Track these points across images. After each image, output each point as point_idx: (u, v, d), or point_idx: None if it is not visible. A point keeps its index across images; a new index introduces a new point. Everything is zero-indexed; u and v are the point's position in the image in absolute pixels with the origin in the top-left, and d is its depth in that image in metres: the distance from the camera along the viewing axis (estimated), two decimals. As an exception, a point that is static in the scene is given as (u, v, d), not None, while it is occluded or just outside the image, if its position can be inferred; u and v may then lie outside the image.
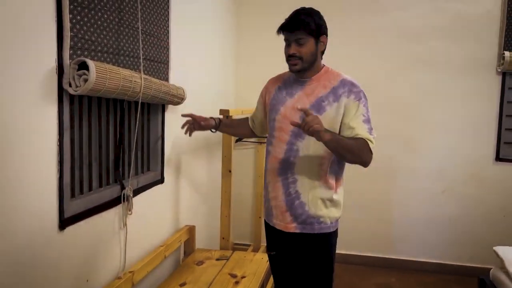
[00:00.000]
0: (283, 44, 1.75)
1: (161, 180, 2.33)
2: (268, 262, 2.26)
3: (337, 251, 1.84)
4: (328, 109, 1.69)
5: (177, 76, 2.40)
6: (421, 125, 3.41)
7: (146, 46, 2.02)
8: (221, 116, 2.46)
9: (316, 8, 1.74)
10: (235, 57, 3.65)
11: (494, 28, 3.23)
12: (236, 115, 2.73)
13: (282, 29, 1.71)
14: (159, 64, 2.19)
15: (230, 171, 2.63)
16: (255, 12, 3.61)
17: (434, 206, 3.41)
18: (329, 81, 1.74)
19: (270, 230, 1.88)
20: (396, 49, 3.40)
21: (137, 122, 1.92)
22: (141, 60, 1.90)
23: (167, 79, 2.30)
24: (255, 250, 3.64)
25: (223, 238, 2.66)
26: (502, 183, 3.32)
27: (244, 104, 3.61)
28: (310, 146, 1.71)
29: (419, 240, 3.46)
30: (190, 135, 2.07)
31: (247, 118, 2.13)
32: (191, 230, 2.62)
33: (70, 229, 1.56)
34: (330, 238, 1.77)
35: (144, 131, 2.20)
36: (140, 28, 1.91)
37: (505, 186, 3.32)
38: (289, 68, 1.75)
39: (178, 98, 2.27)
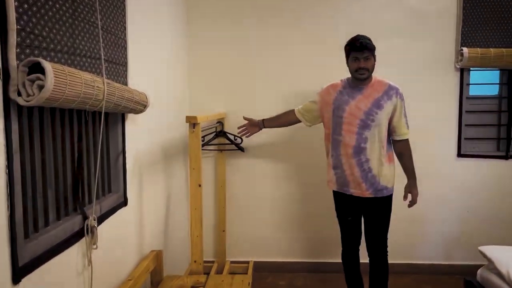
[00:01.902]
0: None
1: (124, 202, 1.98)
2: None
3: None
4: (385, 106, 2.39)
5: (135, 80, 2.07)
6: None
7: (103, 45, 1.68)
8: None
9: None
10: (187, 61, 3.34)
11: (451, 24, 3.24)
12: (203, 121, 2.45)
13: (353, 49, 2.32)
14: (117, 66, 1.85)
15: (200, 185, 2.33)
16: (205, 21, 3.33)
17: (399, 205, 3.35)
18: (381, 87, 2.42)
19: (345, 197, 2.51)
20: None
21: (101, 135, 1.58)
22: (103, 61, 1.56)
23: (126, 83, 1.96)
24: (220, 267, 3.36)
25: (195, 262, 2.36)
26: (464, 179, 3.34)
27: (201, 109, 3.32)
28: (375, 135, 2.38)
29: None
30: (248, 136, 2.87)
31: (288, 111, 2.77)
32: (158, 256, 2.29)
33: (26, 281, 1.20)
34: (391, 198, 2.51)
35: (104, 147, 1.85)
36: (99, 23, 1.57)
37: (467, 182, 3.34)
38: (358, 77, 2.36)
39: (141, 105, 1.95)
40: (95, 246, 1.59)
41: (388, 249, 2.58)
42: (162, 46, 2.66)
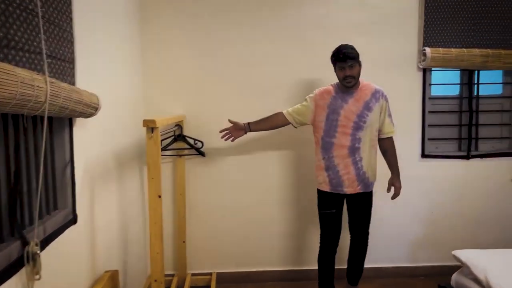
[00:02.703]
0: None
1: (73, 220, 1.73)
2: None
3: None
4: (374, 108, 2.60)
5: (84, 79, 1.81)
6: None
7: (45, 37, 1.43)
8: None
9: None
10: (143, 61, 3.08)
11: (414, 23, 3.20)
12: (162, 125, 2.22)
13: (338, 60, 2.50)
14: (62, 63, 1.59)
15: (160, 197, 2.10)
16: (161, 19, 3.09)
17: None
18: (368, 90, 2.62)
19: (335, 196, 2.65)
20: (321, 45, 3.18)
21: (44, 144, 1.32)
22: (44, 56, 1.31)
23: (73, 83, 1.71)
24: (181, 281, 3.13)
25: (155, 281, 2.13)
26: (428, 180, 3.32)
27: (158, 112, 3.08)
28: (367, 135, 2.60)
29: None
30: (233, 141, 2.80)
31: (276, 113, 2.76)
32: (113, 276, 2.04)
33: None
34: (373, 192, 2.76)
35: (48, 157, 1.59)
36: (39, 10, 1.32)
37: (431, 183, 3.33)
38: (346, 85, 2.54)
39: (92, 108, 1.70)
40: (38, 276, 1.33)
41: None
42: (115, 44, 2.40)
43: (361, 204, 2.72)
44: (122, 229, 2.46)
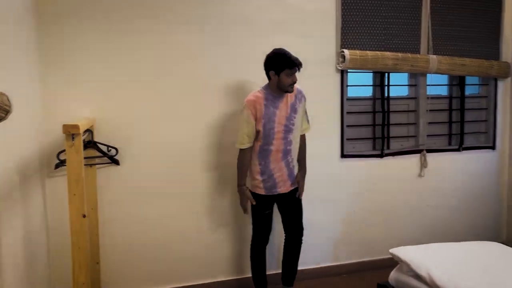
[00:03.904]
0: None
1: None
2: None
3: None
4: (298, 109, 2.72)
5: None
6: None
7: None
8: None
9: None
10: (40, 59, 2.61)
11: (332, 25, 3.24)
12: (83, 128, 1.87)
13: (289, 67, 2.55)
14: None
15: (84, 216, 1.76)
16: (59, 24, 2.66)
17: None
18: (293, 92, 2.69)
19: (270, 197, 2.74)
20: (243, 44, 3.05)
21: None
22: None
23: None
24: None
25: (80, 317, 1.77)
26: (347, 179, 3.39)
27: (62, 116, 2.63)
28: (296, 136, 2.73)
29: (275, 249, 3.23)
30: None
31: (242, 157, 2.70)
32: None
33: None
34: None
35: None
36: None
37: (350, 182, 3.41)
38: (289, 91, 2.62)
39: (2, 111, 1.32)
40: None
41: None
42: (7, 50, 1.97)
43: (293, 200, 2.81)
44: (29, 260, 2.03)
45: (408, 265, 2.17)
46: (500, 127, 3.83)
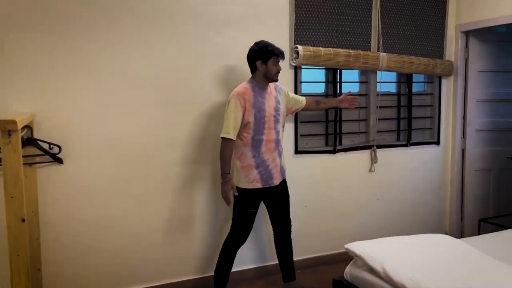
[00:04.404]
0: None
1: None
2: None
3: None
4: (280, 100, 2.83)
5: None
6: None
7: None
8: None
9: None
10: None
11: (286, 20, 3.21)
12: (21, 124, 1.70)
13: (276, 55, 2.70)
14: None
15: (23, 220, 1.60)
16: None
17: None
18: (272, 85, 2.83)
19: (263, 191, 2.76)
20: (195, 37, 2.95)
21: None
22: None
23: None
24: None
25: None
26: (301, 175, 3.38)
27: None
28: (282, 126, 2.83)
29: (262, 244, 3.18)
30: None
31: (225, 147, 2.64)
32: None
33: None
34: None
35: None
36: None
37: (305, 178, 3.41)
38: (276, 79, 2.77)
39: None
40: None
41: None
42: None
43: (283, 192, 2.89)
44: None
45: (362, 260, 2.19)
46: (444, 124, 3.99)
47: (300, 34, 3.26)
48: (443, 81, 3.95)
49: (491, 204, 4.06)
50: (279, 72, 2.74)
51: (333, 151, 3.51)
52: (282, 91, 2.87)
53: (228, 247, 2.80)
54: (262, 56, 2.67)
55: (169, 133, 2.92)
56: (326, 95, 3.52)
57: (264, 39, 2.76)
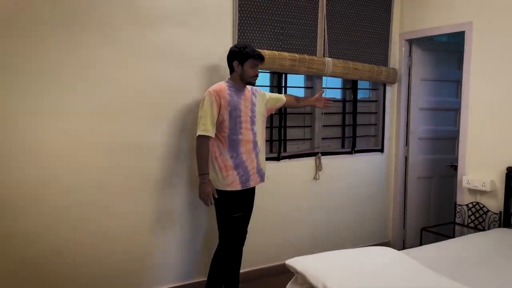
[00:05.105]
0: None
1: None
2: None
3: None
4: (256, 103, 2.77)
5: None
6: (167, 128, 2.88)
7: None
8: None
9: None
10: None
11: (229, 20, 3.04)
12: None
13: (254, 58, 2.64)
14: None
15: None
16: None
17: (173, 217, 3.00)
18: (247, 88, 2.76)
19: (242, 193, 2.68)
20: (132, 37, 2.71)
21: None
22: None
23: None
24: None
25: None
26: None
27: None
28: (260, 128, 2.77)
29: (174, 264, 2.96)
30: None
31: (201, 145, 2.55)
32: None
33: None
34: None
35: None
36: None
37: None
38: (252, 83, 2.73)
39: None
40: None
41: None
42: None
43: (252, 198, 2.84)
44: None
45: (304, 277, 2.05)
46: (388, 131, 3.99)
47: (244, 35, 3.10)
48: (388, 88, 3.95)
49: (431, 212, 4.11)
50: (256, 76, 2.69)
51: (278, 158, 3.38)
52: (258, 93, 2.81)
53: (220, 260, 2.67)
54: (240, 57, 2.62)
55: (107, 138, 2.67)
56: (270, 100, 3.38)
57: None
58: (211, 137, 2.55)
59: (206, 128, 2.52)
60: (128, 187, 2.77)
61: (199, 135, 2.53)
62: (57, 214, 2.56)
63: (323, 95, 3.25)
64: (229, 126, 2.59)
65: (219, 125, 2.58)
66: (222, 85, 2.64)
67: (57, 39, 2.48)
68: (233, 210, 2.65)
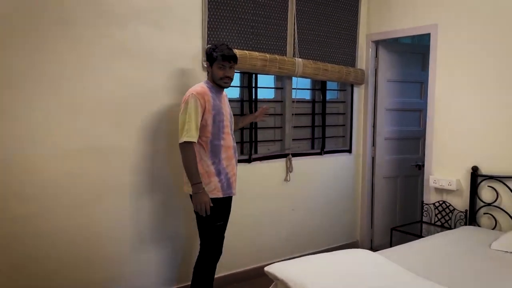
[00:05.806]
0: None
1: None
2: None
3: None
4: (228, 104, 2.69)
5: None
6: (129, 130, 2.73)
7: None
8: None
9: None
10: None
11: (198, 18, 2.93)
12: None
13: (223, 59, 2.46)
14: None
15: None
16: None
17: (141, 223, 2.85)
18: (222, 89, 2.62)
19: (224, 201, 2.54)
20: (95, 34, 2.55)
21: None
22: None
23: None
24: None
25: None
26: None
27: None
28: (234, 133, 2.69)
29: (153, 272, 2.82)
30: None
31: (188, 151, 2.38)
32: None
33: None
34: None
35: None
36: None
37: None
38: (222, 85, 2.54)
39: None
40: None
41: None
42: None
43: (229, 207, 2.65)
44: None
45: (284, 284, 1.99)
46: (356, 132, 4.02)
47: (214, 34, 3.00)
48: (355, 89, 3.98)
49: (397, 211, 4.18)
50: (228, 78, 2.51)
51: (249, 160, 3.30)
52: (226, 96, 2.69)
53: (203, 267, 2.56)
54: (209, 57, 2.51)
55: (65, 141, 2.49)
56: (241, 100, 3.30)
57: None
58: (194, 142, 2.40)
59: (191, 134, 2.35)
60: (97, 193, 2.61)
61: (184, 141, 2.35)
62: (18, 224, 2.36)
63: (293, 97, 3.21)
64: (212, 130, 2.45)
65: (200, 130, 2.42)
66: (203, 87, 2.49)
67: (14, 35, 2.29)
68: (216, 219, 2.53)
